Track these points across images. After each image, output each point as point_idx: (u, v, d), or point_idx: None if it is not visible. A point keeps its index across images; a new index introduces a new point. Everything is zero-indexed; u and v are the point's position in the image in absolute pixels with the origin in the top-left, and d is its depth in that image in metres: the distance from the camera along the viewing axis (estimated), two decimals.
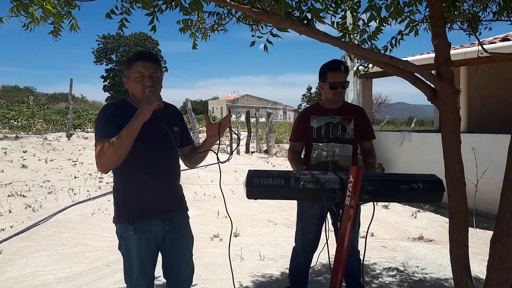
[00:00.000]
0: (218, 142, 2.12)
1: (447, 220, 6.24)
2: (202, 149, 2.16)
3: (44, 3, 1.51)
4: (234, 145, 14.20)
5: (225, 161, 2.10)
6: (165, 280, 2.24)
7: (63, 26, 1.82)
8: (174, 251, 2.11)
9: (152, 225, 2.01)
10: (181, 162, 2.21)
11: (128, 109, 1.96)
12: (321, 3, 2.31)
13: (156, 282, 3.06)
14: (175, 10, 2.12)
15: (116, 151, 1.82)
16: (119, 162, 1.86)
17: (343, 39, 2.14)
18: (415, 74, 1.90)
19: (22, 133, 13.91)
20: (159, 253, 2.13)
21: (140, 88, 1.95)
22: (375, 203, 2.15)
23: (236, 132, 15.20)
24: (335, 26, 2.27)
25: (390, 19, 1.97)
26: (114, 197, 2.08)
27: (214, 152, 2.09)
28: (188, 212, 2.21)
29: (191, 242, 2.21)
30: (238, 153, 13.90)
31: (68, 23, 1.83)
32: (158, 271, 2.26)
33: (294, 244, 2.94)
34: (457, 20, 2.49)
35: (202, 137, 17.95)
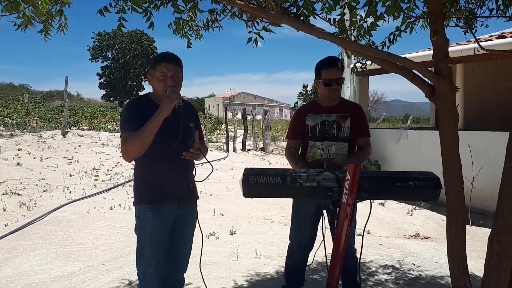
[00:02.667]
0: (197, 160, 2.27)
1: (443, 217, 6.21)
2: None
3: (36, 1, 1.47)
4: (231, 143, 14.18)
5: (203, 180, 2.35)
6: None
7: (53, 25, 1.79)
8: (181, 233, 2.27)
9: (167, 208, 2.17)
10: None
11: (150, 104, 2.15)
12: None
13: None
14: (170, 8, 2.11)
15: (139, 143, 2.02)
16: (142, 152, 2.06)
17: (340, 36, 2.11)
18: (413, 71, 1.89)
19: (17, 130, 13.83)
20: None
21: (162, 86, 2.13)
22: (371, 200, 2.13)
23: (238, 128, 15.15)
24: (331, 22, 2.25)
25: (386, 16, 1.95)
26: (134, 183, 2.27)
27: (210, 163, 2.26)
28: (197, 201, 2.38)
29: (194, 229, 2.36)
30: (234, 150, 13.88)
31: (58, 21, 1.80)
32: None
33: (289, 242, 2.92)
34: (453, 17, 2.47)
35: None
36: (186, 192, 2.26)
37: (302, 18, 1.86)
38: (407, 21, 2.23)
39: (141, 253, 2.16)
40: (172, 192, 2.18)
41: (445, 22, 2.29)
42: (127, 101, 2.52)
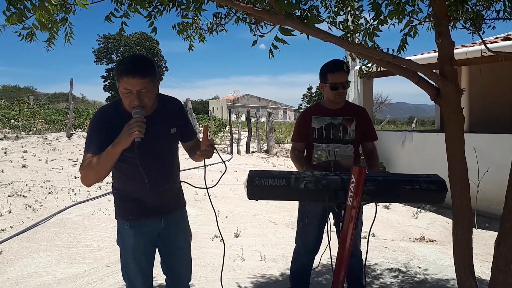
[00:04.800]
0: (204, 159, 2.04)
1: (449, 220, 6.16)
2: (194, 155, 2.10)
3: (42, 12, 1.47)
4: (235, 145, 14.19)
5: (210, 187, 2.04)
6: (164, 282, 2.24)
7: (58, 34, 1.80)
8: (171, 245, 2.13)
9: (147, 223, 2.04)
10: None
11: (120, 113, 1.92)
12: (321, 3, 2.29)
13: (157, 282, 3.05)
14: (174, 11, 2.12)
15: (95, 173, 1.85)
16: (99, 180, 1.90)
17: (345, 38, 2.12)
18: (418, 73, 1.88)
19: (22, 133, 13.91)
20: (157, 252, 2.15)
21: (128, 103, 1.87)
22: (377, 203, 2.13)
23: (242, 130, 15.17)
24: (336, 25, 2.25)
25: (389, 20, 1.95)
26: (113, 195, 2.11)
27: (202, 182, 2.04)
28: (185, 207, 2.23)
29: (188, 236, 2.22)
30: (238, 152, 13.88)
31: (64, 30, 1.81)
32: (159, 271, 2.25)
33: (295, 245, 2.92)
34: (460, 19, 2.47)
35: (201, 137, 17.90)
36: (168, 206, 2.08)
37: (306, 21, 1.86)
38: (410, 25, 2.23)
39: (126, 267, 2.05)
40: (151, 208, 2.02)
41: (451, 24, 2.29)
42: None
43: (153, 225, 2.05)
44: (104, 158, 1.81)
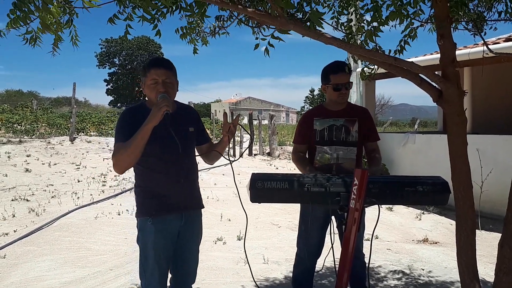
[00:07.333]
0: (229, 140, 2.22)
1: (452, 222, 6.13)
2: (218, 146, 2.29)
3: (45, 13, 1.48)
4: (237, 148, 14.18)
5: (234, 160, 2.23)
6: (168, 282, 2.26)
7: (63, 37, 1.81)
8: (186, 245, 2.21)
9: (169, 219, 2.12)
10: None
11: (145, 112, 2.05)
12: (322, 5, 2.30)
13: None
14: (176, 15, 2.13)
15: (128, 154, 1.97)
16: (132, 163, 2.03)
17: (347, 40, 2.12)
18: (420, 75, 1.88)
19: (25, 137, 13.97)
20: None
21: (155, 94, 2.06)
22: (379, 205, 2.12)
23: (244, 133, 15.18)
24: (339, 27, 2.26)
25: (390, 21, 1.95)
26: (135, 194, 2.20)
27: (224, 157, 2.23)
28: (202, 210, 2.32)
29: (200, 239, 2.32)
30: (241, 155, 13.88)
31: (69, 34, 1.82)
32: None
33: (297, 249, 2.90)
34: (462, 20, 2.46)
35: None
36: (189, 201, 2.19)
37: (308, 24, 1.86)
38: (410, 27, 2.22)
39: (144, 265, 2.11)
40: (173, 203, 2.12)
41: (453, 25, 2.28)
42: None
43: (174, 222, 2.13)
44: (136, 139, 1.94)
